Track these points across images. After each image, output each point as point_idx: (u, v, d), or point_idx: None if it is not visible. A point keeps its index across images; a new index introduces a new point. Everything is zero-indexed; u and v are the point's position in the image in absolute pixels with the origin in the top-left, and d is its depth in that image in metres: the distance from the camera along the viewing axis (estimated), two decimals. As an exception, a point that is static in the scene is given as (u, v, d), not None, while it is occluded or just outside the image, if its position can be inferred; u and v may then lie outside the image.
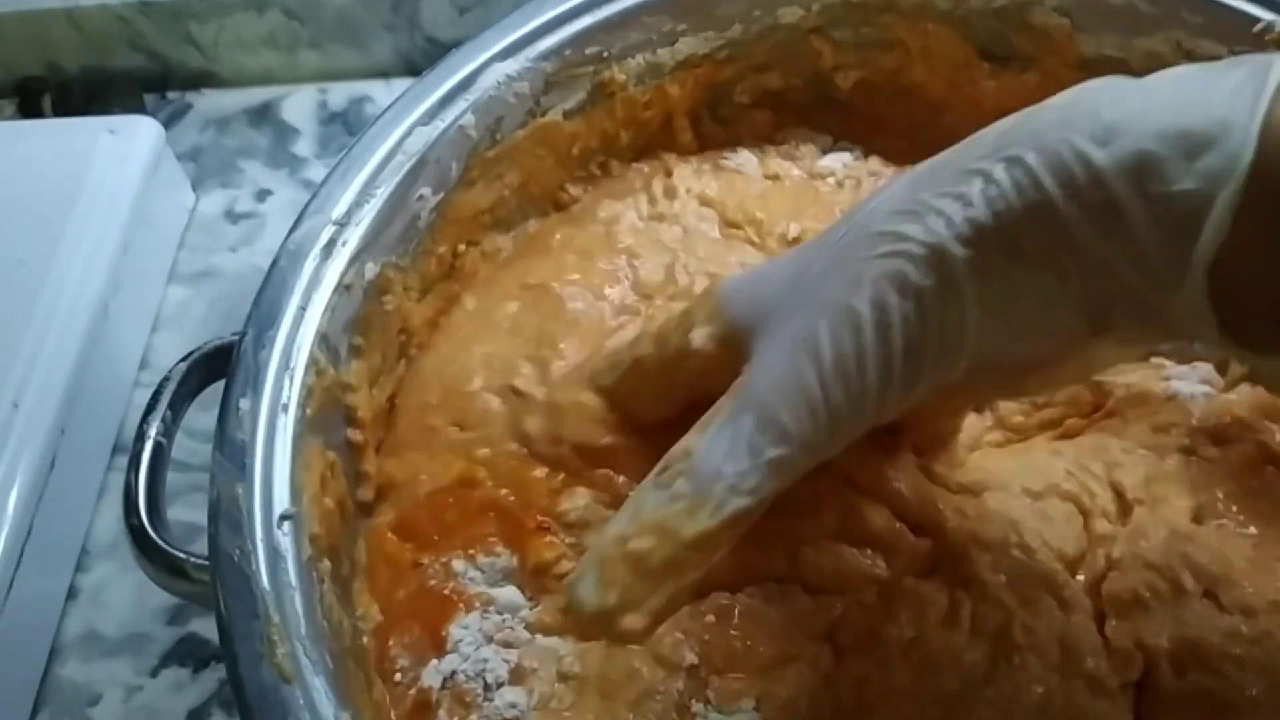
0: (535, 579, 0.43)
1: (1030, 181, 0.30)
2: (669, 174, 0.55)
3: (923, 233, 0.32)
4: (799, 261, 0.36)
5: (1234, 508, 0.43)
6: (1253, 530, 0.43)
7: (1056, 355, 0.34)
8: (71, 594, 0.56)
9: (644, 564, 0.33)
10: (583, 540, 0.43)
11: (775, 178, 0.55)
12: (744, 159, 0.56)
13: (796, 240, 0.51)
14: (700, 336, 0.39)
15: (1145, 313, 0.31)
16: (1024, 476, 0.44)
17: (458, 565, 0.43)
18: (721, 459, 0.33)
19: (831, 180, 0.55)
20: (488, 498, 0.45)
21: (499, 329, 0.50)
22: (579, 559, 0.41)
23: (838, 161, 0.56)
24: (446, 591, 0.43)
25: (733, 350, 0.37)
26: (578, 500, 0.44)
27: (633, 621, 0.33)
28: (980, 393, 0.40)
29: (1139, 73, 0.51)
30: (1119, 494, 0.44)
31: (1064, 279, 0.31)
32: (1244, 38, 0.49)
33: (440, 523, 0.44)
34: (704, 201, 0.53)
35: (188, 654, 0.54)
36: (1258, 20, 0.48)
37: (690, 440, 0.34)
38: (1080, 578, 0.42)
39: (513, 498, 0.44)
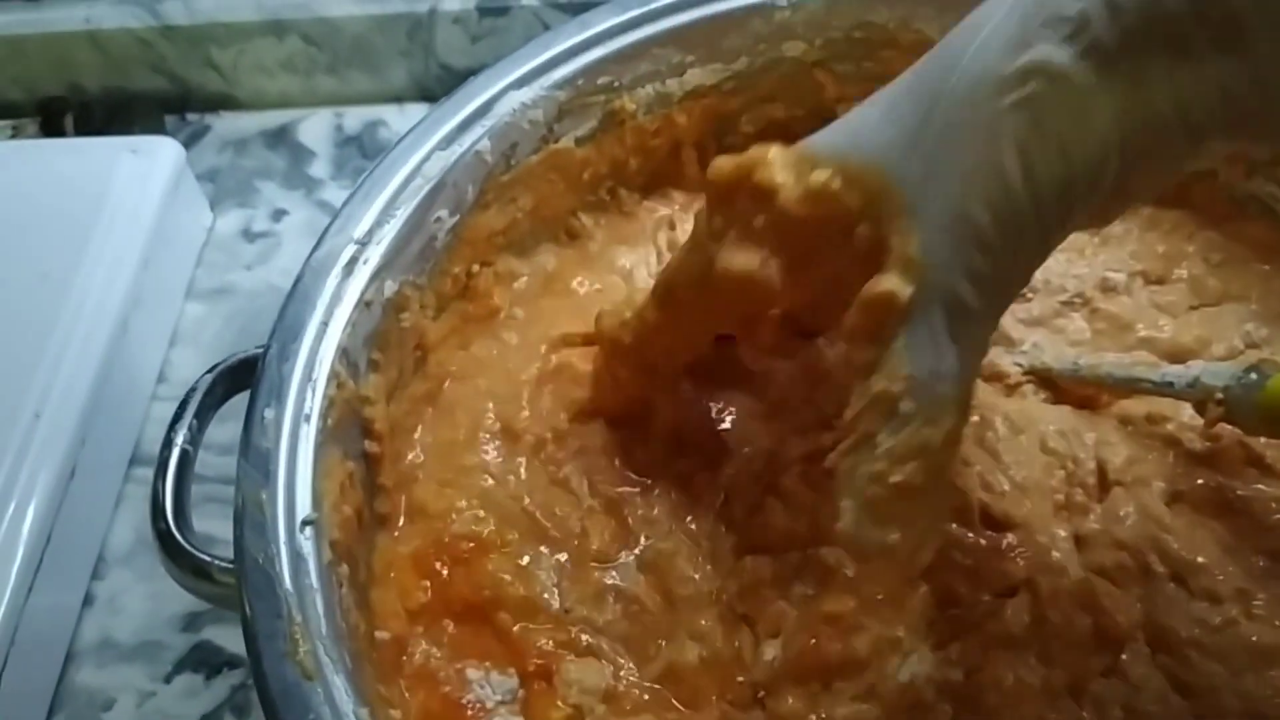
0: None
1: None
2: (672, 227, 0.57)
3: (1045, 65, 0.31)
4: (908, 113, 0.34)
5: (1210, 500, 0.45)
6: (1224, 523, 0.44)
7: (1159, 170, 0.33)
8: (88, 601, 0.57)
9: (910, 488, 0.33)
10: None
11: None
12: None
13: None
14: (792, 195, 0.37)
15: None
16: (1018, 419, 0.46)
17: (472, 674, 0.44)
18: (932, 360, 0.33)
19: None
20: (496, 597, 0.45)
21: (517, 374, 0.51)
22: None
23: None
24: (463, 701, 0.44)
25: (829, 212, 0.35)
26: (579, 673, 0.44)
27: (923, 557, 0.35)
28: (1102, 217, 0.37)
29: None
30: (1101, 470, 0.46)
31: (1180, 92, 0.30)
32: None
33: (450, 591, 0.45)
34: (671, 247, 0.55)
35: (201, 661, 0.55)
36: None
37: (888, 369, 0.33)
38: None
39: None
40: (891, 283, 0.33)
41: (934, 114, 0.33)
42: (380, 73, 0.75)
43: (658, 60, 0.55)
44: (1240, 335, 0.51)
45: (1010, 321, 0.52)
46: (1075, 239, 0.53)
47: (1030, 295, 0.53)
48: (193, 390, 0.45)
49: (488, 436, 0.50)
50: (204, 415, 0.45)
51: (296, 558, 0.39)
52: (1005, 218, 0.32)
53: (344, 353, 0.45)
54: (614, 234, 0.57)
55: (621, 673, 0.43)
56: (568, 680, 0.43)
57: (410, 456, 0.49)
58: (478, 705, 0.44)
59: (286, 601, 0.38)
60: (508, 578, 0.45)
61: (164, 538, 0.42)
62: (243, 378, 0.46)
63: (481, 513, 0.47)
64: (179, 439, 0.44)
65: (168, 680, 0.54)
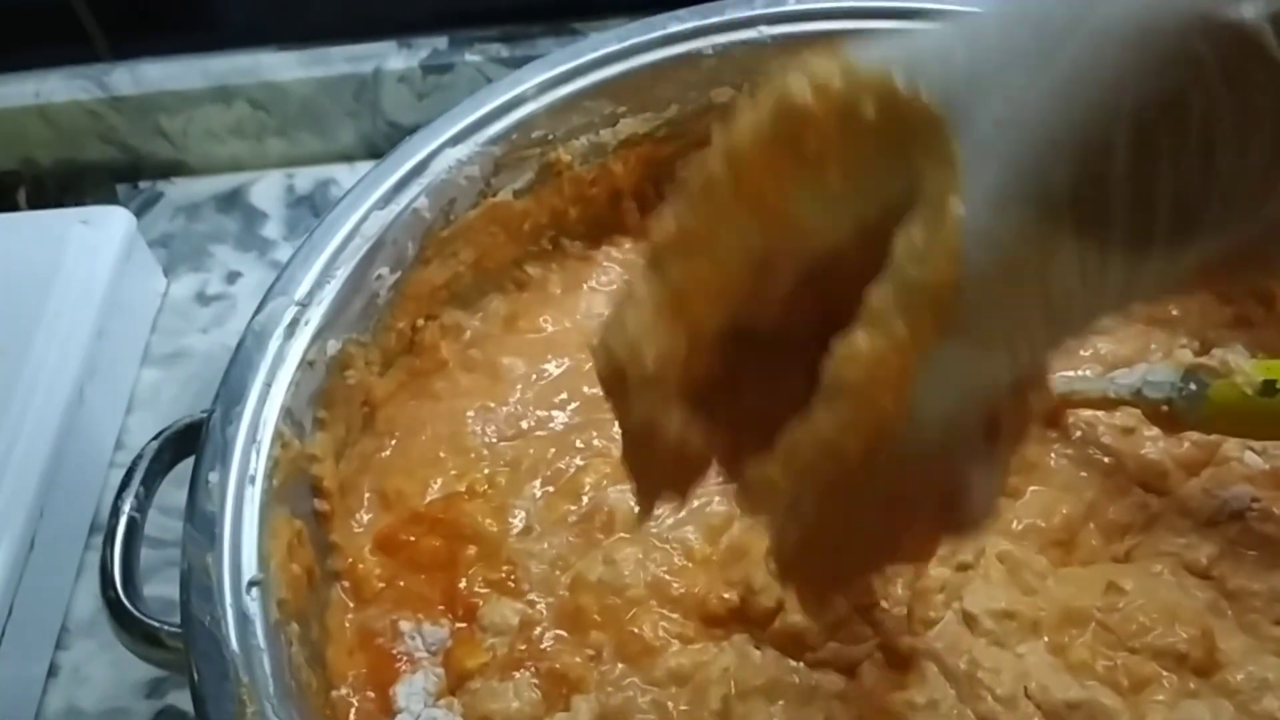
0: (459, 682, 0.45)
1: None
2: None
3: (1234, 24, 0.23)
4: (998, 36, 0.25)
5: None
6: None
7: None
8: (52, 671, 0.57)
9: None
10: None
11: None
12: None
13: None
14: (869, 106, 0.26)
15: None
16: None
17: (404, 626, 0.47)
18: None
19: None
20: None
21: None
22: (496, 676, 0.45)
23: None
24: (394, 652, 0.46)
25: (900, 135, 0.26)
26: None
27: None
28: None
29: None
30: None
31: None
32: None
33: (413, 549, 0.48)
34: None
35: (165, 726, 0.55)
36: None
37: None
38: None
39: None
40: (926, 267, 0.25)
41: (1032, 61, 0.25)
42: (329, 133, 0.76)
43: (590, 112, 0.56)
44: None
45: None
46: None
47: None
48: (139, 457, 0.46)
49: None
50: (151, 482, 0.46)
51: (243, 619, 0.40)
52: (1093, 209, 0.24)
53: (288, 413, 0.46)
54: (573, 278, 0.59)
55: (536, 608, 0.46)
56: (483, 624, 0.46)
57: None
58: (406, 657, 0.46)
59: (233, 663, 0.39)
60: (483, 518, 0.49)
61: (113, 606, 0.43)
62: (190, 441, 0.46)
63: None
64: (126, 506, 0.44)
65: (133, 747, 0.54)
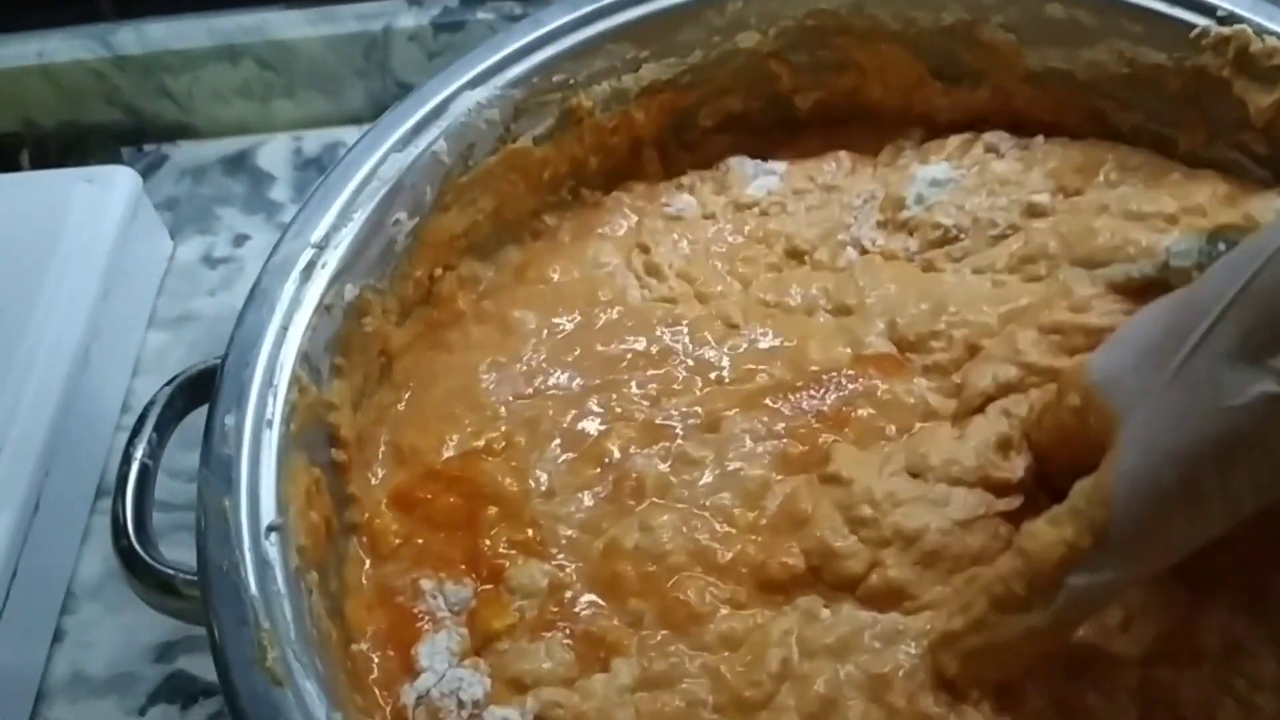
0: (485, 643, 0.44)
1: None
2: (640, 215, 0.58)
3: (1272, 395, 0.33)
4: (1149, 368, 0.37)
5: None
6: None
7: None
8: (57, 636, 0.56)
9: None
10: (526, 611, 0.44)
11: (712, 216, 0.57)
12: (684, 203, 0.58)
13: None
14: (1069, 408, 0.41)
15: None
16: None
17: (425, 585, 0.45)
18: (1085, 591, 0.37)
19: (756, 210, 0.57)
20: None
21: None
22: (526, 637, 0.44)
23: (762, 189, 0.58)
24: (415, 611, 0.45)
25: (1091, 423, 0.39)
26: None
27: None
28: None
29: (1083, 83, 0.54)
30: None
31: None
32: (1182, 44, 0.51)
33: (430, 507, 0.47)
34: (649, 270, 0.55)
35: (176, 691, 0.53)
36: (1194, 26, 0.50)
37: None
38: None
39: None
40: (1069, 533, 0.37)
41: (1163, 382, 0.36)
42: (338, 94, 0.75)
43: (612, 56, 0.54)
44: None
45: (943, 260, 0.53)
46: (1004, 169, 0.54)
47: (963, 236, 0.53)
48: (151, 403, 0.44)
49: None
50: (164, 429, 0.44)
51: (262, 564, 0.39)
52: (1190, 495, 0.34)
53: (305, 357, 0.44)
54: (583, 224, 0.57)
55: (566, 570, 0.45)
56: (510, 586, 0.45)
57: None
58: (428, 616, 0.45)
59: (253, 608, 0.37)
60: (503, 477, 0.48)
61: (126, 555, 0.41)
62: (203, 390, 0.45)
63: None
64: (138, 453, 0.43)
65: (142, 713, 0.53)
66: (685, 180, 0.59)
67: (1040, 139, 0.56)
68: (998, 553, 0.42)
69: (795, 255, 0.55)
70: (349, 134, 0.75)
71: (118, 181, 0.66)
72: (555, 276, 0.55)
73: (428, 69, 0.73)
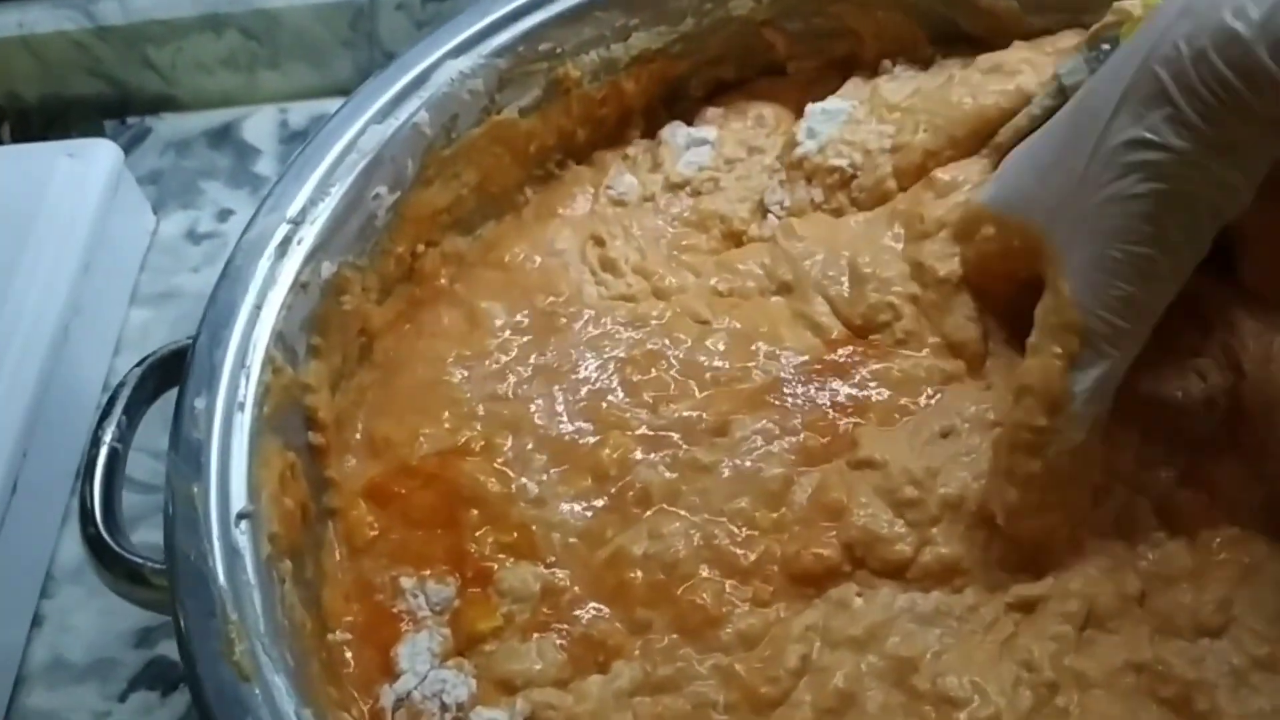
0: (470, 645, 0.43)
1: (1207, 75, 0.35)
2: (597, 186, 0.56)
3: (1153, 140, 0.36)
4: (1057, 180, 0.41)
5: None
6: None
7: None
8: (36, 621, 0.55)
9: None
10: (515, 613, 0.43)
11: (651, 199, 0.55)
12: (627, 185, 0.55)
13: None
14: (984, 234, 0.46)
15: None
16: None
17: (406, 583, 0.44)
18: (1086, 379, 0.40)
19: (688, 190, 0.55)
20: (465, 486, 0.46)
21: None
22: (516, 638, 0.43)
23: (692, 165, 0.55)
24: (395, 610, 0.43)
25: (1001, 248, 0.45)
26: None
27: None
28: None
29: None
30: None
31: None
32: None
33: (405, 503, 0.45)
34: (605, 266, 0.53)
35: (156, 677, 0.53)
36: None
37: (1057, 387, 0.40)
38: None
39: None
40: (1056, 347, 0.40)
41: (1075, 184, 0.40)
42: (324, 65, 0.73)
43: (601, 24, 0.53)
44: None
45: (848, 205, 0.52)
46: (891, 91, 0.54)
47: (858, 173, 0.52)
48: (121, 384, 0.43)
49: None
50: (134, 411, 0.43)
51: (231, 553, 0.37)
52: (1139, 262, 0.38)
53: (280, 337, 0.43)
54: (544, 202, 0.55)
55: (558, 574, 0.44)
56: (500, 589, 0.43)
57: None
58: (409, 616, 0.43)
59: (221, 599, 0.36)
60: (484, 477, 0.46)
61: (93, 543, 0.40)
62: (175, 371, 0.43)
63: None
64: (106, 437, 0.41)
65: (122, 699, 0.52)
66: (630, 151, 0.56)
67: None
68: None
69: (733, 237, 0.53)
70: (335, 106, 0.73)
71: (99, 155, 0.65)
72: (518, 260, 0.53)
73: (416, 39, 0.71)
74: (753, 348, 0.49)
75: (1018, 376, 0.41)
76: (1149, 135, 0.36)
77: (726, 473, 0.45)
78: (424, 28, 0.71)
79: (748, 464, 0.45)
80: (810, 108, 0.53)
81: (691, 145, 0.56)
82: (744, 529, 0.44)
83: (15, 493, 0.54)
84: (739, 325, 0.49)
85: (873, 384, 0.47)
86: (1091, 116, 0.39)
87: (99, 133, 0.73)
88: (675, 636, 0.42)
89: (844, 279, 0.49)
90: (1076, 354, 0.39)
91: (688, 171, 0.54)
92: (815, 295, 0.49)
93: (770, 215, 0.52)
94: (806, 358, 0.48)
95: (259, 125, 0.74)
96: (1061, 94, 0.46)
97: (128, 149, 0.71)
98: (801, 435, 0.46)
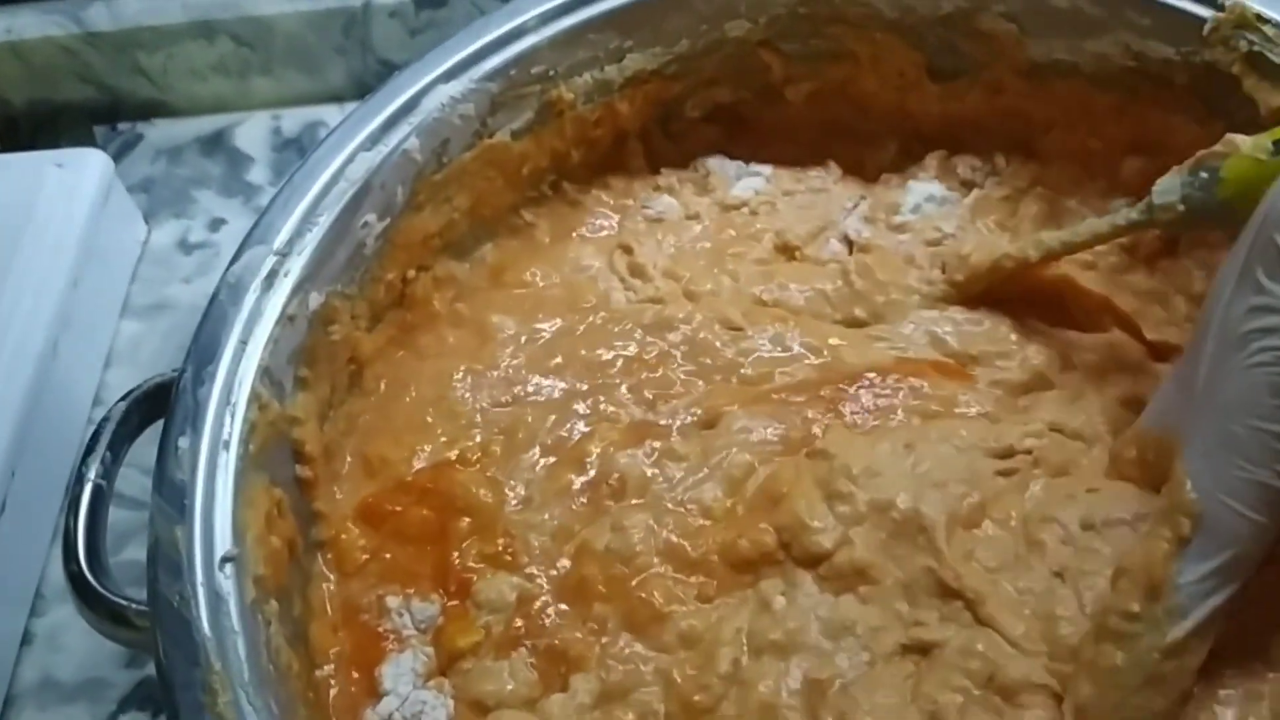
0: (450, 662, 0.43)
1: None
2: (620, 212, 0.57)
3: (1277, 307, 0.35)
4: (1186, 376, 0.40)
5: None
6: None
7: None
8: (26, 639, 0.54)
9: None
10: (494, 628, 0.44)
11: (695, 217, 0.56)
12: (665, 205, 0.56)
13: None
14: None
15: None
16: None
17: (392, 602, 0.44)
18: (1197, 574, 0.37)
19: (745, 210, 0.56)
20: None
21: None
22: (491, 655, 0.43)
23: (749, 189, 0.56)
24: (380, 630, 0.44)
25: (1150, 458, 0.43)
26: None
27: None
28: None
29: (1089, 75, 0.52)
30: None
31: None
32: (1192, 38, 0.48)
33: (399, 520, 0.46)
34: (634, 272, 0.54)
35: (146, 698, 0.52)
36: (1204, 21, 0.48)
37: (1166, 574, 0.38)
38: None
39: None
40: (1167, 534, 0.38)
41: (1199, 368, 0.38)
42: (317, 72, 0.72)
43: (595, 46, 0.52)
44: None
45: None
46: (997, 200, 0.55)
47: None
48: (106, 419, 0.43)
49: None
50: (118, 447, 0.43)
51: (215, 599, 0.37)
52: (1266, 439, 0.36)
53: (266, 372, 0.43)
54: (562, 225, 0.55)
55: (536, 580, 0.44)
56: (478, 601, 0.44)
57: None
58: (394, 635, 0.44)
59: (204, 648, 0.36)
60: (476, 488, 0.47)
61: (76, 581, 0.40)
62: (160, 404, 0.43)
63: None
64: (91, 473, 0.41)
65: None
66: (663, 181, 0.57)
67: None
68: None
69: (785, 250, 0.54)
70: (329, 112, 0.73)
71: (89, 165, 0.64)
72: (536, 280, 0.54)
73: (410, 46, 0.71)
74: (793, 356, 0.50)
75: (1118, 565, 0.40)
76: (1271, 301, 0.35)
77: (697, 461, 0.46)
78: (418, 35, 0.71)
79: (722, 454, 0.46)
80: (914, 185, 0.55)
81: (744, 176, 0.57)
82: (700, 518, 0.45)
83: (4, 511, 0.53)
84: (782, 334, 0.50)
85: (906, 396, 0.48)
86: (1213, 299, 0.38)
87: (89, 139, 0.72)
88: (627, 635, 0.43)
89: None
90: (1187, 538, 0.37)
91: (744, 194, 0.56)
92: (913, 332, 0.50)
93: (831, 241, 0.54)
94: (860, 368, 0.49)
95: (251, 132, 0.73)
96: (1149, 210, 0.46)
97: (118, 156, 0.70)
98: (784, 426, 0.47)
